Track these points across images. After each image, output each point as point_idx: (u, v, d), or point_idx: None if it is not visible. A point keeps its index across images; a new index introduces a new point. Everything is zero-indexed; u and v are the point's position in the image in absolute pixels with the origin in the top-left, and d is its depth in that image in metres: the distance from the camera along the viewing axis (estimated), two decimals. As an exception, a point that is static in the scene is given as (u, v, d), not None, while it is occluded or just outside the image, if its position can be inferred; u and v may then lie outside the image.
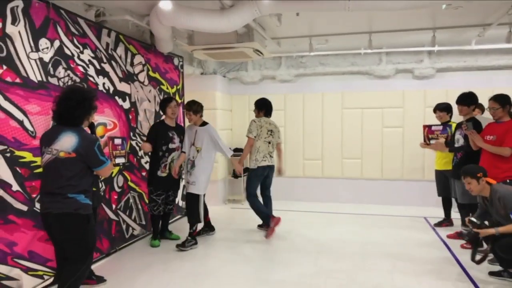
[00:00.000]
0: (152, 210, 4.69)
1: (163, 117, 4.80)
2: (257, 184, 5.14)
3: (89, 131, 3.08)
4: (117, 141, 3.85)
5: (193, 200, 4.58)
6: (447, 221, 5.46)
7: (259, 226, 5.41)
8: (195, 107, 4.64)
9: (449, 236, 4.92)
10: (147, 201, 4.92)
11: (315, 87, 7.14)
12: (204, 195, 4.69)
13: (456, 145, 4.64)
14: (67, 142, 2.61)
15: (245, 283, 3.64)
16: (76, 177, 2.63)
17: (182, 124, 5.70)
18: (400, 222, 5.77)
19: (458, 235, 4.84)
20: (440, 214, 5.61)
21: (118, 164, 3.85)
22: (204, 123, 4.70)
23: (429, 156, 6.39)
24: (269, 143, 5.14)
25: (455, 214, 5.31)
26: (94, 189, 3.41)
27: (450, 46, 6.08)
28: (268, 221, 4.91)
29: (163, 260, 4.23)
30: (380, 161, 6.90)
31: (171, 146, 4.65)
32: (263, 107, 5.19)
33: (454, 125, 4.91)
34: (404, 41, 6.14)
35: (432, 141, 4.85)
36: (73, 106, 2.63)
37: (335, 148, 7.08)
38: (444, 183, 5.16)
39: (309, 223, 5.72)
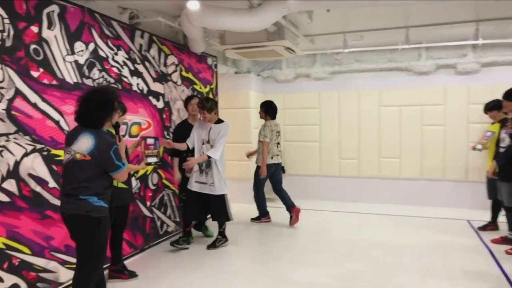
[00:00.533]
0: (182, 209, 4.79)
1: (187, 115, 4.88)
2: (264, 180, 5.60)
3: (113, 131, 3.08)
4: (150, 141, 3.95)
5: (220, 200, 4.53)
6: (492, 225, 5.15)
7: (252, 219, 5.81)
8: (208, 105, 4.38)
9: (493, 241, 4.64)
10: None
11: (351, 84, 6.97)
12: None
13: (501, 145, 4.37)
14: (83, 144, 2.57)
15: (272, 283, 3.62)
16: (89, 180, 2.56)
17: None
18: (440, 224, 5.51)
19: (503, 240, 4.56)
20: (484, 217, 5.31)
21: (150, 163, 3.95)
22: (219, 121, 4.56)
23: (473, 156, 6.06)
24: (278, 143, 5.65)
25: (503, 218, 4.99)
26: (125, 186, 3.55)
27: (495, 39, 5.72)
28: (263, 216, 5.73)
29: (194, 257, 4.29)
30: (420, 160, 6.62)
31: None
32: (271, 111, 5.64)
33: (495, 126, 4.69)
34: (445, 35, 5.85)
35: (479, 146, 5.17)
36: (94, 108, 2.60)
37: (372, 147, 6.88)
38: (495, 185, 4.87)
39: (342, 224, 5.60)
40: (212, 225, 5.16)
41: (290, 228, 5.41)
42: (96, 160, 2.56)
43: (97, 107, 2.61)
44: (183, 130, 4.62)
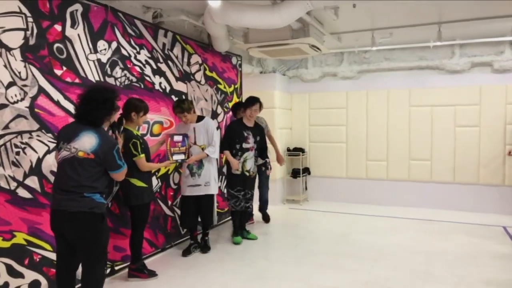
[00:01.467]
0: (234, 206, 4.71)
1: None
2: None
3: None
4: (177, 138, 3.94)
5: (210, 200, 4.45)
6: (530, 232, 4.84)
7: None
8: (186, 106, 4.15)
9: (531, 250, 4.35)
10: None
11: (379, 83, 6.75)
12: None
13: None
14: (87, 143, 2.54)
15: (294, 286, 3.50)
16: (92, 178, 2.56)
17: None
18: (474, 230, 5.23)
19: (543, 249, 4.26)
20: (522, 223, 5.00)
21: (176, 161, 3.94)
22: (200, 118, 4.36)
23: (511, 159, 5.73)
24: None
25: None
26: (145, 185, 3.53)
27: (536, 35, 5.39)
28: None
29: (215, 259, 4.23)
30: (452, 163, 6.32)
31: (244, 145, 4.62)
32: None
33: None
34: (480, 31, 5.56)
35: None
36: (95, 107, 2.57)
37: (401, 149, 6.63)
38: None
39: (369, 228, 5.41)
40: (253, 228, 5.14)
41: (315, 230, 5.27)
42: (99, 159, 2.55)
43: (97, 106, 2.57)
44: (235, 129, 4.63)
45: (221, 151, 4.63)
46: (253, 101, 4.68)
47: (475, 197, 6.20)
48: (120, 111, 3.40)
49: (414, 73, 6.53)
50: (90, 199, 2.54)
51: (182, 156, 3.99)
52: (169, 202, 4.56)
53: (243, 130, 4.65)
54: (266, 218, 5.71)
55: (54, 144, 3.14)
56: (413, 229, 5.30)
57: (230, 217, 5.31)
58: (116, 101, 2.70)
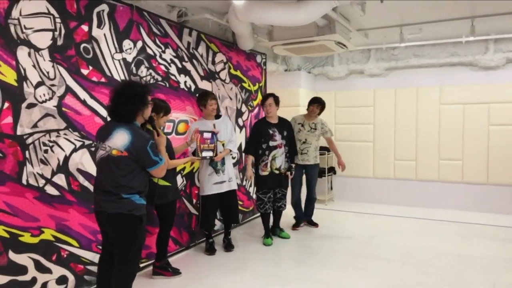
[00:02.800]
0: (259, 209, 4.69)
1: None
2: None
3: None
4: (207, 135, 3.95)
5: (235, 196, 4.44)
6: None
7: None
8: (216, 97, 4.35)
9: None
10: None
11: (408, 81, 6.55)
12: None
13: None
14: (119, 140, 2.50)
15: (318, 289, 3.44)
16: (129, 177, 2.52)
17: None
18: (509, 234, 4.99)
19: None
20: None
21: (205, 158, 3.95)
22: (217, 115, 4.36)
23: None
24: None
25: None
26: (168, 184, 3.54)
27: None
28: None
29: (238, 258, 4.21)
30: (485, 163, 6.07)
31: (271, 143, 4.56)
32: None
33: None
34: (517, 25, 5.29)
35: None
36: (123, 102, 2.53)
37: (431, 148, 6.42)
38: None
39: (397, 229, 5.26)
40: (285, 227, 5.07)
41: (340, 231, 5.16)
42: (133, 156, 2.51)
43: (127, 100, 2.53)
44: (260, 128, 4.58)
45: (245, 153, 4.61)
46: (265, 97, 4.69)
47: (509, 199, 5.92)
48: None
49: (445, 70, 6.30)
50: (129, 201, 2.52)
51: (210, 153, 3.99)
52: (194, 200, 4.57)
53: (267, 128, 4.59)
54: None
55: (81, 143, 3.21)
56: (443, 232, 5.12)
57: (254, 216, 5.30)
58: (147, 95, 2.65)
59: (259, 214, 5.37)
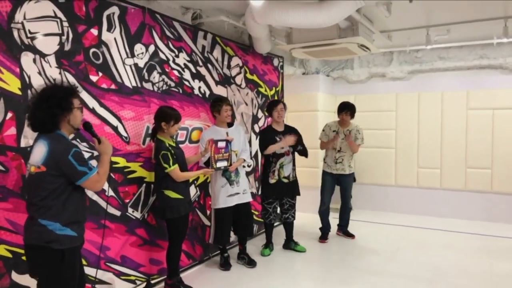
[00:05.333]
0: (264, 218, 4.55)
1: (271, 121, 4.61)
2: None
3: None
4: (221, 144, 3.74)
5: (250, 208, 4.26)
6: None
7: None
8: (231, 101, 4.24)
9: None
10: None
11: (433, 85, 6.23)
12: None
13: None
14: (37, 154, 2.07)
15: (341, 312, 3.19)
16: (49, 198, 2.05)
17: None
18: (544, 250, 4.65)
19: None
20: None
21: (219, 168, 3.75)
22: (229, 123, 4.13)
23: None
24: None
25: None
26: (181, 197, 3.33)
27: None
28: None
29: (254, 275, 3.97)
30: (517, 172, 5.71)
31: (279, 151, 4.38)
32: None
33: None
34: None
35: None
36: (37, 106, 2.09)
37: (457, 156, 6.08)
38: None
39: (421, 243, 4.95)
40: (301, 239, 4.85)
41: (361, 244, 4.89)
42: (53, 171, 2.05)
43: (41, 105, 2.09)
44: (267, 136, 4.40)
45: (262, 153, 4.42)
46: (276, 103, 4.53)
47: (544, 211, 5.57)
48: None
49: (473, 73, 5.96)
50: (46, 230, 2.05)
51: (225, 163, 3.79)
52: (208, 212, 4.36)
53: (274, 135, 4.40)
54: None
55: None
56: (470, 246, 4.80)
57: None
58: (69, 98, 2.16)
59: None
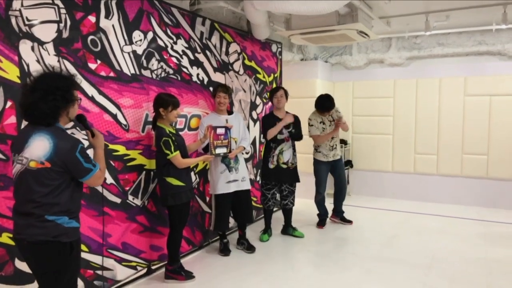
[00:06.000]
0: (263, 204, 4.63)
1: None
2: None
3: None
4: (220, 131, 3.75)
5: (249, 195, 4.29)
6: None
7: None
8: (231, 90, 4.19)
9: None
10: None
11: (431, 71, 6.23)
12: None
13: None
14: (38, 148, 1.96)
15: (339, 296, 3.25)
16: (54, 193, 1.99)
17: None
18: (538, 235, 4.74)
19: None
20: None
21: (218, 155, 3.77)
22: (229, 111, 4.19)
23: None
24: None
25: None
26: (183, 184, 3.35)
27: None
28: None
29: (254, 260, 4.02)
30: (512, 158, 5.77)
31: (279, 137, 4.44)
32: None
33: None
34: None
35: None
36: (39, 98, 1.96)
37: (454, 142, 6.12)
38: None
39: (419, 228, 5.02)
40: (298, 225, 4.90)
41: (359, 230, 4.96)
42: (58, 167, 1.98)
43: (43, 97, 1.96)
44: (269, 122, 4.44)
45: (265, 136, 4.46)
46: (276, 89, 4.59)
47: (539, 197, 5.64)
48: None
49: (471, 59, 5.96)
50: (55, 224, 2.00)
51: (224, 150, 3.81)
52: (207, 198, 4.39)
53: (275, 121, 4.44)
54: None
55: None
56: (468, 231, 4.87)
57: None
58: (71, 89, 2.08)
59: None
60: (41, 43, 2.68)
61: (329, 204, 5.27)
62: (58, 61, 2.78)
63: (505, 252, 4.18)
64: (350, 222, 5.17)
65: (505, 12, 4.63)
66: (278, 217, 5.02)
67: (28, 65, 2.60)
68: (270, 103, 5.33)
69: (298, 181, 4.67)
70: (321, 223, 5.11)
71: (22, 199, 2.02)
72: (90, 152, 2.25)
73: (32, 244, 2.00)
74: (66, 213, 2.04)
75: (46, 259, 2.02)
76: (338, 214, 5.25)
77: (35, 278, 2.13)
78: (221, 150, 3.78)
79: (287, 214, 4.74)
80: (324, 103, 4.87)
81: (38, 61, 2.66)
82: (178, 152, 3.27)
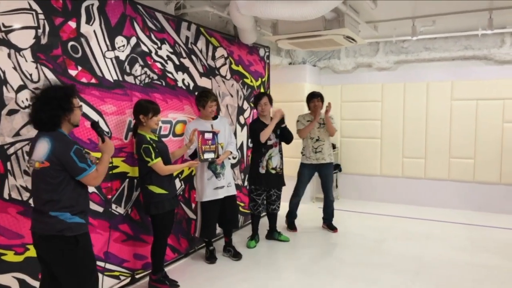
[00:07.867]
0: (252, 210, 4.56)
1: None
2: None
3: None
4: (208, 136, 3.70)
5: (235, 201, 4.27)
6: None
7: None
8: (216, 95, 4.15)
9: None
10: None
11: (418, 75, 6.25)
12: None
13: None
14: (40, 150, 2.21)
15: (325, 305, 3.22)
16: (55, 191, 2.21)
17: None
18: (524, 239, 4.76)
19: None
20: None
21: (206, 160, 3.72)
22: (215, 116, 4.09)
23: None
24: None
25: None
26: (165, 192, 3.29)
27: None
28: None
29: (240, 267, 3.97)
30: (499, 162, 5.80)
31: (268, 142, 4.41)
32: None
33: None
34: (537, 17, 4.97)
35: None
36: (39, 107, 2.23)
37: (441, 146, 6.15)
38: None
39: (405, 233, 5.02)
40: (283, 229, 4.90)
41: (346, 235, 4.94)
42: (56, 166, 2.20)
43: (43, 107, 2.22)
44: (256, 128, 4.39)
45: (257, 140, 4.39)
46: (260, 96, 4.51)
47: (525, 200, 5.69)
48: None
49: (457, 64, 6.00)
50: (57, 220, 2.22)
51: (212, 155, 3.76)
52: (193, 205, 4.33)
53: (263, 127, 4.38)
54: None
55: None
56: (455, 236, 4.88)
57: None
58: (69, 98, 2.29)
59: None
60: (18, 49, 2.61)
61: (319, 209, 5.25)
62: (36, 68, 2.72)
63: (491, 256, 4.19)
64: (334, 229, 5.10)
65: (491, 17, 4.66)
66: (261, 222, 4.96)
67: (4, 72, 2.53)
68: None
69: (284, 185, 4.66)
70: (292, 226, 5.10)
71: (34, 197, 2.32)
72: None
73: (41, 238, 2.26)
74: (68, 209, 2.25)
75: (54, 252, 2.25)
76: (325, 221, 5.22)
77: (56, 276, 2.30)
78: (209, 155, 3.73)
79: (274, 218, 4.72)
80: (312, 92, 4.97)
81: (15, 68, 2.60)
82: (159, 159, 3.21)
